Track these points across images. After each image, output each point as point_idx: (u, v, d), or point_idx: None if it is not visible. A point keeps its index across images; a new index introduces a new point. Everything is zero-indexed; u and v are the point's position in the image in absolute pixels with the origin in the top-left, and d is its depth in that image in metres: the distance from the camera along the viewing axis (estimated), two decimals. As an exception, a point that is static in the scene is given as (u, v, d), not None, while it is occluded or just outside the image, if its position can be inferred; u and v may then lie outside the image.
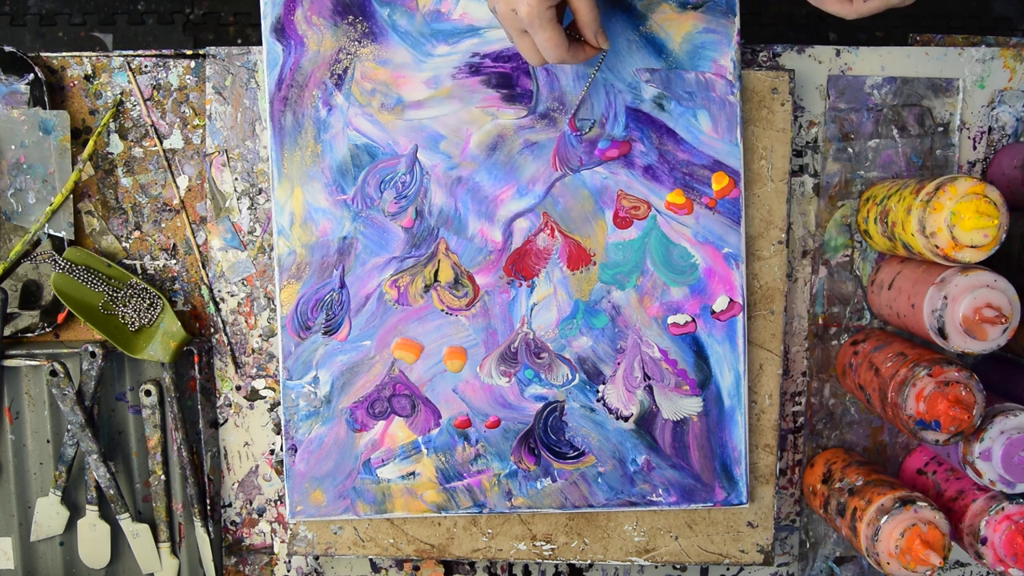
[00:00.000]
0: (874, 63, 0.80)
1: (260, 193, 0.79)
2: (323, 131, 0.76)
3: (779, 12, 1.55)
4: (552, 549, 0.81)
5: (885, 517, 0.70)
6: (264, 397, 0.81)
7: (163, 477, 0.79)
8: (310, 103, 0.76)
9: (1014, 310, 0.68)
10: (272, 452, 0.81)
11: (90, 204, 0.80)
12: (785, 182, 0.78)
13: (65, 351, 0.79)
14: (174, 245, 0.80)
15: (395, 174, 0.76)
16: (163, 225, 0.80)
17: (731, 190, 0.77)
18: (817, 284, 0.81)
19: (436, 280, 0.77)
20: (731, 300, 0.77)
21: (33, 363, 0.78)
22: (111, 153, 0.79)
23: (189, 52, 0.79)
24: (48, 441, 0.80)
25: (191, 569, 0.82)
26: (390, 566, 0.83)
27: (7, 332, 0.78)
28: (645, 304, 0.77)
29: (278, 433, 0.81)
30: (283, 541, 0.82)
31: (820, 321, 0.82)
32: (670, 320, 0.77)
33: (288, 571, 0.83)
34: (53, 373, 0.76)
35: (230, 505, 0.82)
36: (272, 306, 0.80)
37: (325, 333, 0.77)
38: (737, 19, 0.76)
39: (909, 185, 0.71)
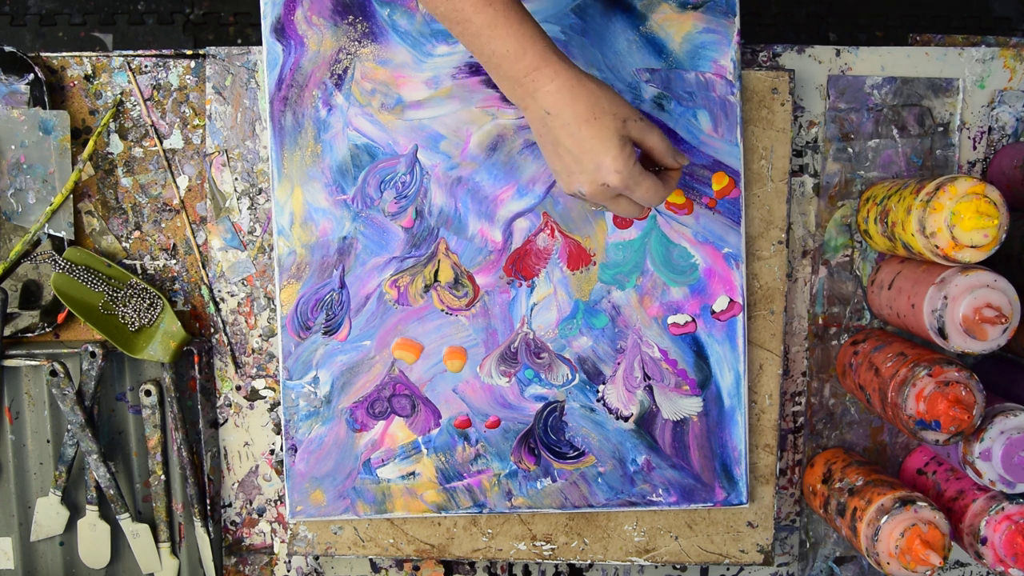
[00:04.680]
0: (874, 63, 0.80)
1: (260, 193, 0.79)
2: (323, 131, 0.76)
3: (779, 12, 1.55)
4: (552, 549, 0.81)
5: (885, 517, 0.70)
6: (264, 397, 0.81)
7: (163, 477, 0.79)
8: (310, 103, 0.76)
9: (1014, 310, 0.68)
10: (272, 452, 0.81)
11: (90, 204, 0.80)
12: (785, 182, 0.78)
13: (65, 351, 0.79)
14: (174, 245, 0.80)
15: (395, 174, 0.76)
16: (163, 225, 0.80)
17: (731, 190, 0.77)
18: (817, 284, 0.81)
19: (436, 280, 0.77)
20: (731, 300, 0.77)
21: (33, 363, 0.78)
22: (111, 153, 0.79)
23: (189, 52, 0.79)
24: (48, 441, 0.80)
25: (191, 569, 0.82)
26: (390, 566, 0.83)
27: (7, 332, 0.78)
28: (645, 304, 0.77)
29: (278, 433, 0.81)
30: (283, 541, 0.82)
31: (820, 321, 0.82)
32: (670, 320, 0.77)
33: (288, 571, 0.83)
34: (53, 373, 0.76)
35: (230, 505, 0.82)
36: (272, 306, 0.80)
37: (325, 333, 0.77)
38: (737, 19, 0.76)
39: (909, 185, 0.71)
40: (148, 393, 0.78)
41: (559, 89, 0.61)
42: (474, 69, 0.76)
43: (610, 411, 0.78)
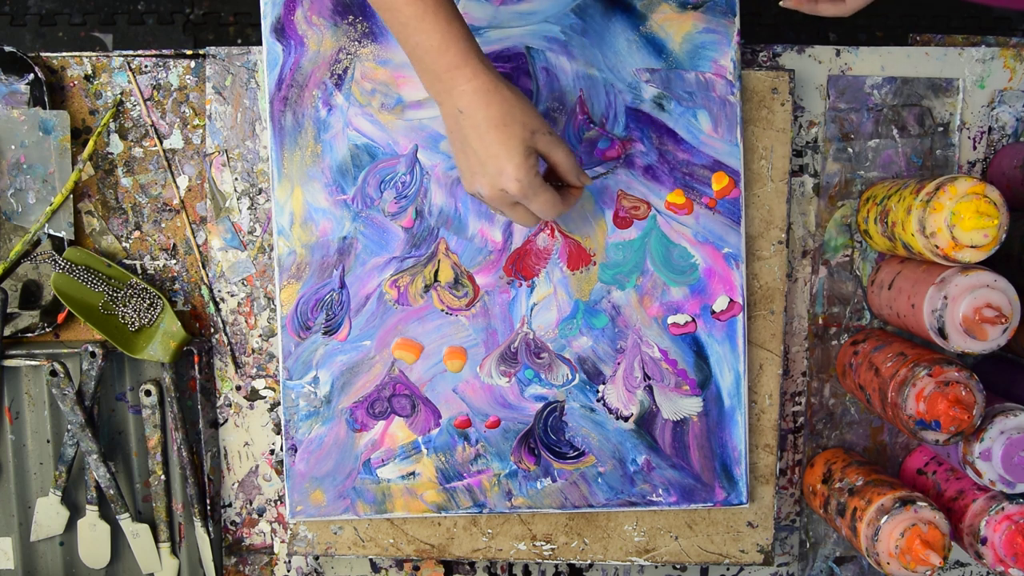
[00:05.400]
0: (874, 63, 0.80)
1: (260, 193, 0.79)
2: (323, 131, 0.76)
3: (779, 12, 1.54)
4: (552, 549, 0.81)
5: (885, 517, 0.70)
6: (264, 397, 0.81)
7: (163, 477, 0.79)
8: (310, 103, 0.76)
9: (1014, 310, 0.68)
10: (272, 452, 0.81)
11: (90, 204, 0.80)
12: (785, 182, 0.78)
13: (65, 351, 0.79)
14: (174, 245, 0.80)
15: (395, 174, 0.76)
16: (163, 225, 0.80)
17: (731, 190, 0.77)
18: (817, 284, 0.81)
19: (436, 280, 0.77)
20: (731, 300, 0.77)
21: (33, 363, 0.78)
22: (111, 153, 0.79)
23: (189, 52, 0.79)
24: (48, 441, 0.80)
25: (191, 569, 0.82)
26: (390, 566, 0.83)
27: (7, 332, 0.78)
28: (645, 304, 0.77)
29: (278, 433, 0.81)
30: (283, 541, 0.82)
31: (820, 321, 0.82)
32: (670, 320, 0.77)
33: (288, 571, 0.83)
34: (53, 373, 0.76)
35: (230, 505, 0.82)
36: (272, 306, 0.80)
37: (325, 333, 0.77)
38: (737, 19, 0.76)
39: (909, 185, 0.71)
40: (148, 393, 0.78)
41: (475, 91, 0.62)
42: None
43: (610, 411, 0.78)
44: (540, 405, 0.78)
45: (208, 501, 0.80)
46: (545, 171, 0.68)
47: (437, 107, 0.75)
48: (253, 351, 0.80)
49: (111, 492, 0.79)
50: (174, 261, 0.80)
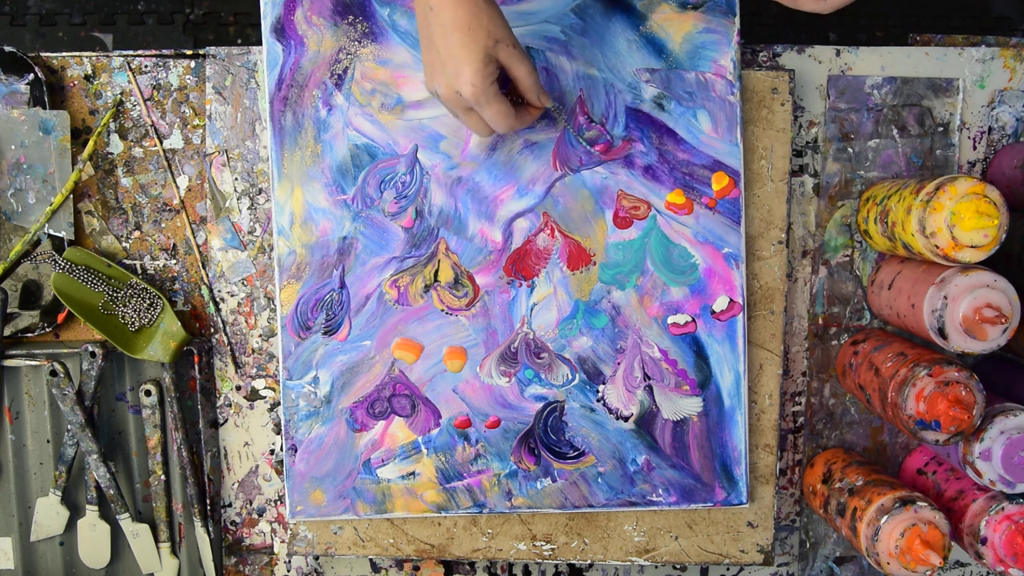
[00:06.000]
0: (874, 63, 0.80)
1: (260, 193, 0.79)
2: (323, 131, 0.76)
3: (779, 12, 1.54)
4: (552, 549, 0.81)
5: (885, 517, 0.70)
6: (264, 397, 0.81)
7: (163, 477, 0.79)
8: (310, 103, 0.76)
9: (1014, 310, 0.68)
10: (272, 452, 0.81)
11: (90, 204, 0.80)
12: (785, 182, 0.78)
13: (65, 351, 0.79)
14: (174, 245, 0.80)
15: (395, 174, 0.76)
16: (163, 225, 0.80)
17: (731, 190, 0.77)
18: (817, 284, 0.81)
19: (436, 280, 0.77)
20: (731, 300, 0.77)
21: (33, 363, 0.78)
22: (111, 153, 0.79)
23: (189, 52, 0.79)
24: (48, 441, 0.80)
25: (191, 569, 0.82)
26: (390, 566, 0.83)
27: (7, 332, 0.78)
28: (645, 304, 0.77)
29: (278, 433, 0.81)
30: (283, 541, 0.82)
31: (820, 321, 0.82)
32: (670, 320, 0.77)
33: (288, 571, 0.83)
34: (53, 373, 0.76)
35: (230, 505, 0.82)
36: (272, 306, 0.80)
37: (325, 333, 0.77)
38: (737, 19, 0.76)
39: (909, 185, 0.71)
40: (148, 393, 0.78)
41: None
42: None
43: (610, 411, 0.78)
44: (540, 405, 0.78)
45: (208, 501, 0.80)
46: (509, 87, 0.68)
47: (437, 107, 0.76)
48: (253, 351, 0.80)
49: (111, 492, 0.79)
50: (174, 261, 0.80)
